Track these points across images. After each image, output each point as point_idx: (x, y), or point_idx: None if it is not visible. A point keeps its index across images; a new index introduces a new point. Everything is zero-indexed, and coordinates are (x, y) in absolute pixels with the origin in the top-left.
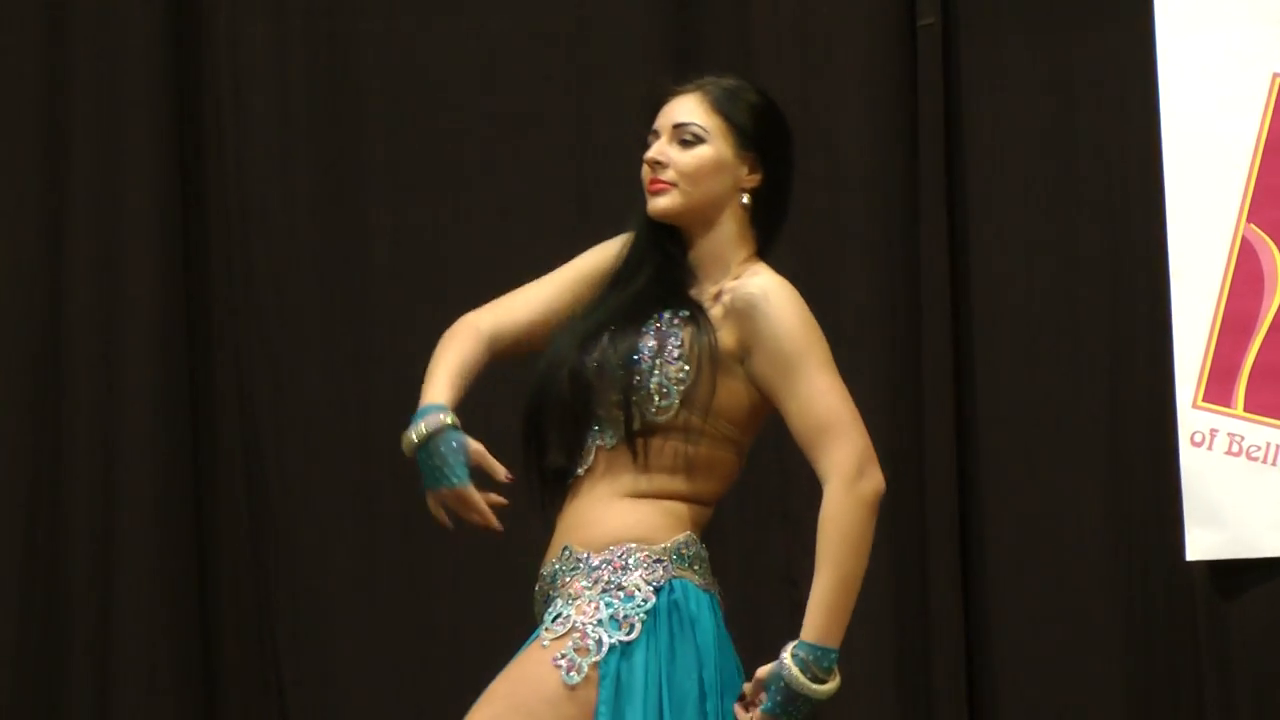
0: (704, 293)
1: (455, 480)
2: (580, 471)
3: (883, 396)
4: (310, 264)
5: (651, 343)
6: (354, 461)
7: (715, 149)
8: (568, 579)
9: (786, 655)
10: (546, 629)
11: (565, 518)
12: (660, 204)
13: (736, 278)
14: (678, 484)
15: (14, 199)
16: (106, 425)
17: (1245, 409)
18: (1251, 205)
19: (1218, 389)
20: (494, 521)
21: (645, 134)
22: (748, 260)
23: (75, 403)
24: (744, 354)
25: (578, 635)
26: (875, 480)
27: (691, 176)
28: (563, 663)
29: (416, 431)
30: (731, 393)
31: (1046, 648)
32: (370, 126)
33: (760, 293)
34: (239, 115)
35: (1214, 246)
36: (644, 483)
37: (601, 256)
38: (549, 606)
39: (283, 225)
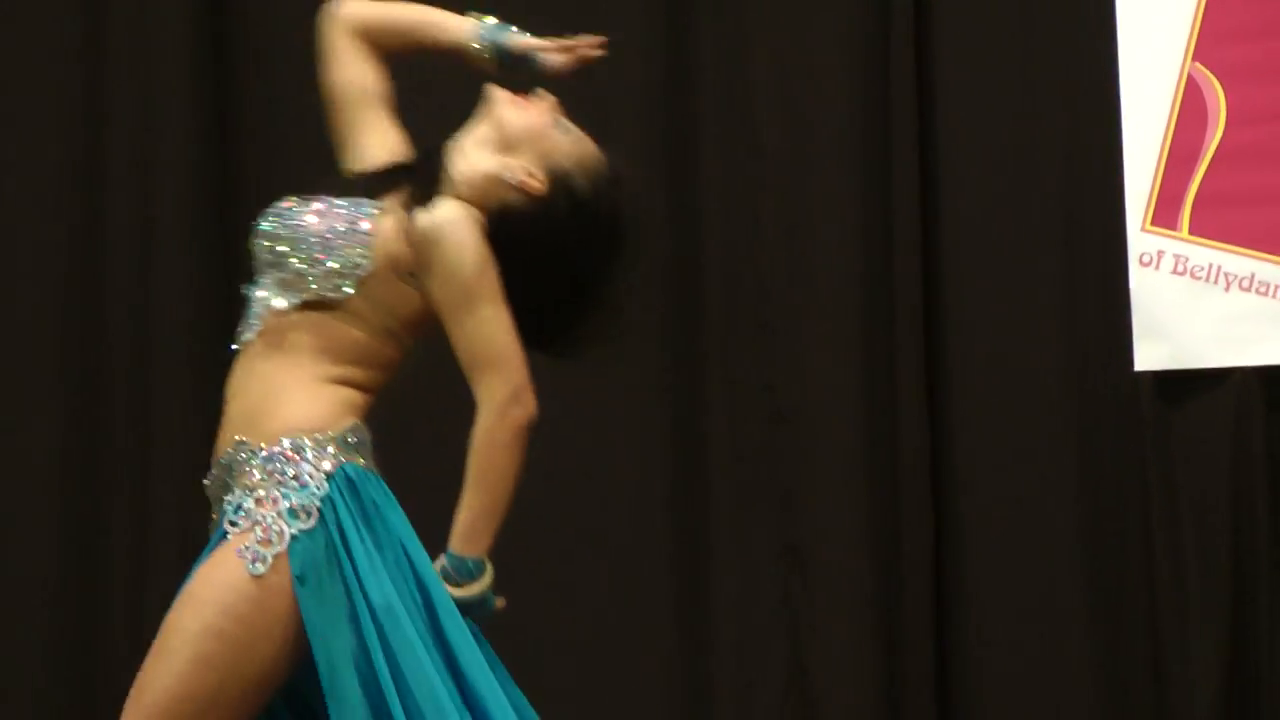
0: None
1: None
2: (250, 336)
3: (854, 221)
4: None
5: (341, 225)
6: None
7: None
8: (244, 470)
9: (438, 567)
10: (230, 522)
11: (237, 396)
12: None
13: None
14: (346, 370)
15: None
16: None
17: (1190, 232)
18: (1197, 46)
19: (1165, 214)
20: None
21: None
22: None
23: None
24: (420, 272)
25: (260, 529)
26: (528, 409)
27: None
28: (247, 554)
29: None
30: (405, 297)
31: (1005, 453)
32: None
33: (445, 223)
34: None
35: (1162, 84)
36: (314, 364)
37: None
38: (227, 495)
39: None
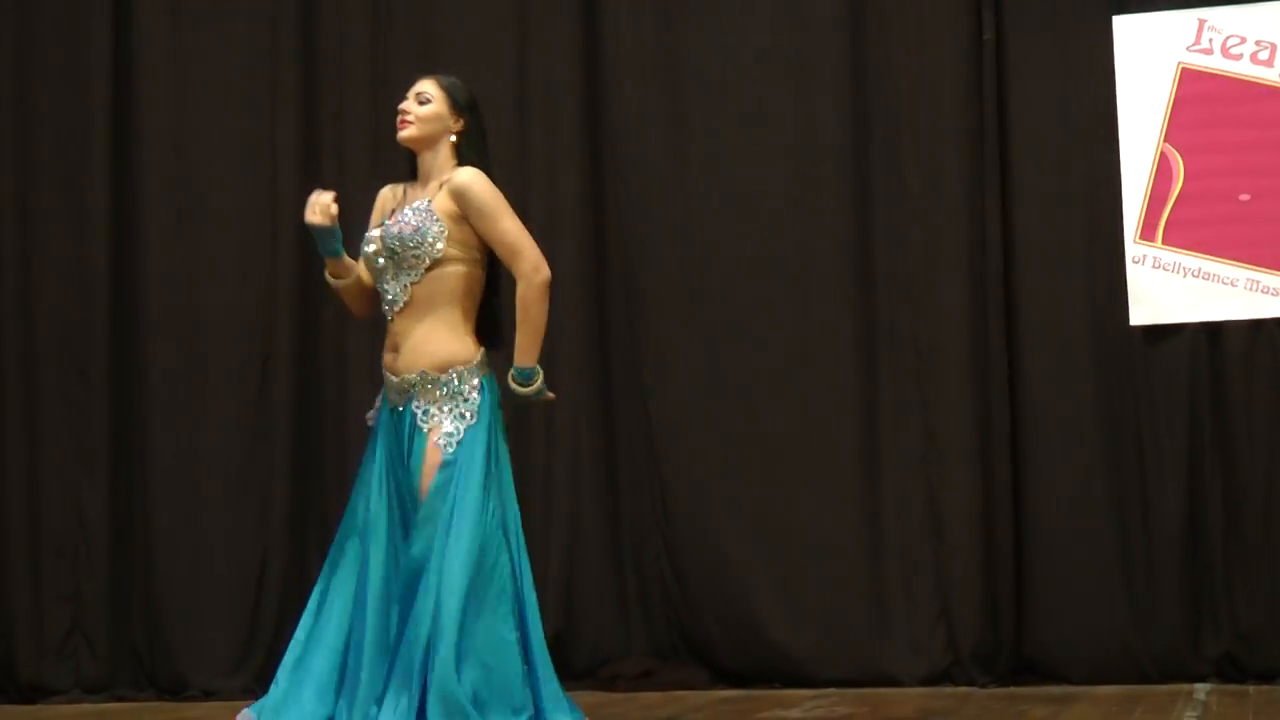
0: (431, 185)
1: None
2: (400, 306)
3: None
4: None
5: (423, 217)
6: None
7: (437, 107)
8: (425, 389)
9: (509, 379)
10: (425, 425)
11: (406, 337)
12: (401, 134)
13: (448, 175)
14: (466, 302)
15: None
16: None
17: (1163, 243)
18: (1167, 133)
19: (1148, 232)
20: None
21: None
22: (455, 169)
23: None
24: (464, 214)
25: (446, 427)
26: (545, 274)
27: (422, 119)
28: (441, 442)
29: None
30: (466, 232)
31: (1054, 370)
32: None
33: (469, 179)
34: None
35: (1145, 157)
36: (450, 309)
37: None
38: (411, 401)
39: None
